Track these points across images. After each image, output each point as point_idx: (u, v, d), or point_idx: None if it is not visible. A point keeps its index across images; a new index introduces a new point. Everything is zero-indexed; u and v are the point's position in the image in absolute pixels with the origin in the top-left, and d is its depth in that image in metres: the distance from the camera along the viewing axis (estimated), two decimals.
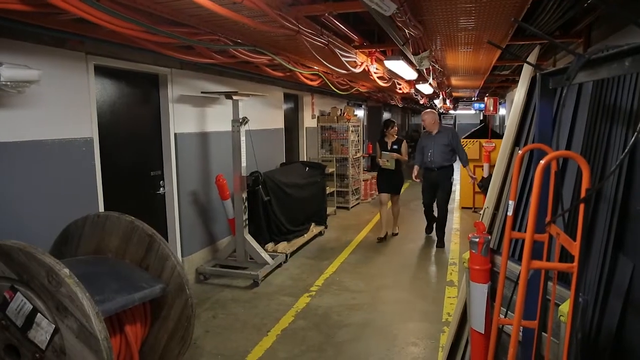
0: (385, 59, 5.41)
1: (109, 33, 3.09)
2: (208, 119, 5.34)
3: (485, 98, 9.89)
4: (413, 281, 5.09)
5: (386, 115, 16.73)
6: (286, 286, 4.93)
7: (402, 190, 7.08)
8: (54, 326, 2.30)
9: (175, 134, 4.77)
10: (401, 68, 5.70)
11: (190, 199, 5.07)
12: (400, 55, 5.16)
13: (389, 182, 6.71)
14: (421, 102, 13.51)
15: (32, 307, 2.32)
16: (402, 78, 7.17)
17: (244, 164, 5.06)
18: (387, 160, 6.44)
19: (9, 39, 2.99)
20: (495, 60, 6.55)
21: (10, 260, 2.34)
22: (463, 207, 8.97)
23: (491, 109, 9.18)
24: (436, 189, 6.34)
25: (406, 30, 3.47)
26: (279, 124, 7.46)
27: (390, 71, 6.16)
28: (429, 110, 6.56)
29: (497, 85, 12.68)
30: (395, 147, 6.61)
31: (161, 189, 4.74)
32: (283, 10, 3.00)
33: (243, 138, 5.01)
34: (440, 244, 6.39)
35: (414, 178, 6.49)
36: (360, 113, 12.94)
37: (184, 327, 2.97)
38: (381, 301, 4.50)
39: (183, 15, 3.02)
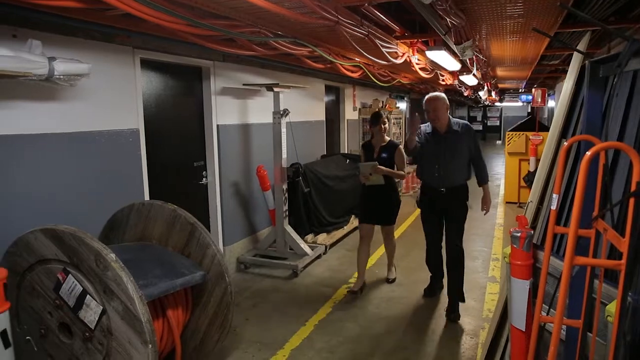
0: (427, 50, 5.30)
1: (154, 27, 3.17)
2: (249, 110, 5.41)
3: (533, 89, 9.53)
4: None
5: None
6: (325, 277, 4.95)
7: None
8: (101, 307, 2.41)
9: (217, 126, 4.87)
10: (444, 58, 5.57)
11: (232, 189, 5.17)
12: (443, 45, 5.04)
13: (377, 206, 4.46)
14: (465, 94, 13.17)
15: (82, 288, 2.45)
16: (444, 69, 7.01)
17: (284, 155, 5.10)
18: (371, 174, 4.24)
19: (62, 35, 3.13)
20: (543, 49, 6.28)
21: (62, 244, 2.47)
22: (507, 202, 8.71)
23: (539, 100, 8.83)
24: (443, 218, 4.06)
25: (448, 19, 3.38)
26: (320, 116, 7.47)
27: (432, 62, 6.03)
28: (436, 94, 3.96)
29: (545, 76, 12.18)
30: (384, 155, 4.38)
31: (204, 179, 4.86)
32: (322, 1, 2.99)
33: (284, 130, 5.06)
34: (453, 312, 3.94)
35: (416, 205, 4.25)
36: (402, 105, 12.77)
37: (223, 314, 3.05)
38: (420, 295, 4.45)
39: (224, 7, 3.07)
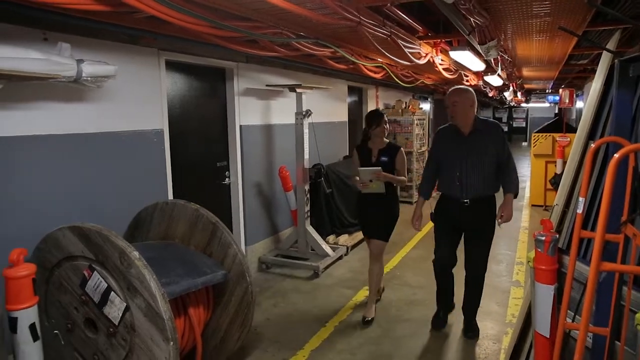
0: (451, 50, 5.24)
1: (179, 29, 3.22)
2: (272, 111, 5.45)
3: (560, 90, 9.31)
4: None
5: None
6: (346, 279, 4.94)
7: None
8: (125, 304, 2.46)
9: (240, 126, 4.91)
10: (468, 59, 5.50)
11: (254, 189, 5.21)
12: (467, 45, 4.97)
13: (372, 216, 3.93)
14: (490, 94, 12.97)
15: (107, 285, 2.50)
16: (469, 69, 6.92)
17: (306, 156, 5.12)
18: (371, 180, 3.74)
19: (90, 38, 3.20)
20: (571, 49, 6.14)
21: (89, 242, 2.53)
22: (533, 205, 8.54)
23: (566, 101, 8.63)
24: (464, 237, 3.51)
25: (471, 19, 3.34)
26: (343, 116, 7.46)
27: (456, 62, 5.96)
28: (459, 87, 3.50)
29: (573, 76, 11.89)
30: (384, 158, 3.86)
31: (226, 179, 4.91)
32: (343, 2, 2.98)
33: (306, 130, 5.07)
34: (471, 330, 3.64)
35: (414, 226, 3.67)
36: (426, 106, 12.66)
37: (244, 313, 3.07)
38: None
39: (246, 9, 3.09)
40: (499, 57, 5.58)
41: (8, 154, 2.81)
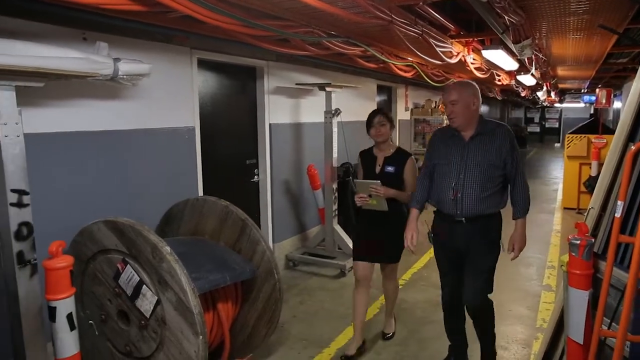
0: (483, 49, 5.16)
1: (212, 28, 3.26)
2: (301, 110, 5.47)
3: (597, 89, 9.02)
4: (506, 282, 4.83)
5: (484, 110, 15.88)
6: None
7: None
8: (156, 298, 2.51)
9: (270, 125, 4.96)
10: (500, 58, 5.40)
11: (283, 187, 5.25)
12: (500, 44, 4.89)
13: (377, 238, 3.33)
14: (522, 94, 12.70)
15: (139, 278, 2.56)
16: (501, 69, 6.79)
17: (335, 155, 5.12)
18: (370, 195, 3.17)
19: (125, 37, 3.28)
20: (610, 47, 5.95)
21: (122, 236, 2.60)
22: (566, 208, 8.32)
23: (603, 101, 8.36)
24: (465, 262, 2.85)
25: (506, 17, 3.27)
26: None
27: (488, 61, 5.86)
28: (460, 82, 2.92)
29: (612, 75, 11.52)
30: (390, 168, 3.28)
31: (255, 177, 4.96)
32: (376, 1, 2.97)
33: (335, 129, 5.07)
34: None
35: (407, 244, 2.99)
36: None
37: (272, 310, 3.10)
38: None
39: (279, 8, 3.12)
40: (533, 56, 5.46)
41: (48, 150, 2.91)
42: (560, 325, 2.68)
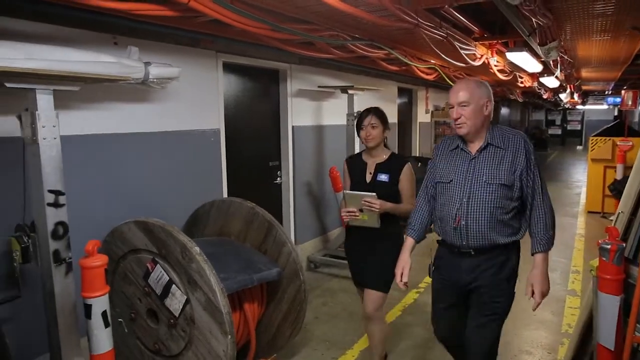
0: (507, 51, 5.12)
1: (238, 32, 3.32)
2: (323, 112, 5.50)
3: (623, 91, 8.86)
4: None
5: (504, 112, 15.74)
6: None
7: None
8: (185, 297, 2.56)
9: (292, 127, 5.00)
10: (524, 60, 5.35)
11: (305, 189, 5.28)
12: (524, 46, 4.85)
13: (367, 258, 2.85)
14: (544, 96, 12.53)
15: (168, 278, 2.62)
16: (524, 71, 6.72)
17: None
18: (361, 210, 2.66)
19: (154, 41, 3.36)
20: (638, 49, 5.85)
21: (152, 236, 2.66)
22: (589, 212, 8.18)
23: (629, 103, 8.20)
24: (471, 300, 2.34)
25: (533, 19, 3.25)
26: (393, 118, 7.43)
27: (511, 64, 5.81)
28: (469, 81, 2.30)
29: (638, 77, 11.30)
30: (383, 177, 2.81)
31: (278, 178, 5.01)
32: (403, 4, 2.99)
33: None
34: None
35: (397, 280, 2.50)
36: None
37: (296, 311, 3.13)
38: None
39: (305, 12, 3.15)
40: (558, 58, 5.40)
41: (82, 151, 2.99)
42: (588, 331, 2.66)
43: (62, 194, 2.41)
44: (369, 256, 2.83)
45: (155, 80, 2.97)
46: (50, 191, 2.36)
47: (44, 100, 2.33)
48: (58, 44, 2.55)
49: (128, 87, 3.02)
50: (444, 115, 8.99)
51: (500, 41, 5.13)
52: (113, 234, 2.84)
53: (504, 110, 15.49)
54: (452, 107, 2.22)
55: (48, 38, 2.67)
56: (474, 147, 2.25)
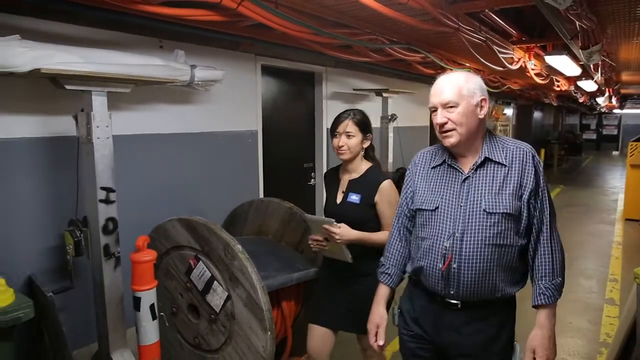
0: (546, 55, 5.05)
1: (278, 36, 3.40)
2: None
3: None
4: (565, 293, 4.71)
5: (537, 116, 15.44)
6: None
7: None
8: (227, 294, 2.64)
9: (327, 129, 5.05)
10: (564, 64, 5.27)
11: None
12: (564, 49, 4.78)
13: (339, 296, 2.36)
14: (580, 100, 12.25)
15: (210, 275, 2.69)
16: (562, 74, 6.61)
17: (390, 159, 5.16)
18: (327, 239, 2.22)
19: (199, 45, 3.46)
20: None
21: (195, 234, 2.75)
22: (627, 219, 7.95)
23: None
24: None
25: (577, 23, 3.22)
26: (425, 121, 7.41)
27: (549, 67, 5.73)
28: (458, 74, 1.70)
29: None
30: (353, 198, 2.28)
31: (312, 180, 5.07)
32: (444, 8, 3.00)
33: (391, 134, 5.12)
34: None
35: (371, 340, 1.90)
36: (508, 112, 12.20)
37: None
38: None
39: (346, 16, 3.20)
40: (599, 62, 5.29)
41: (129, 150, 3.11)
42: (630, 341, 2.61)
43: (112, 191, 2.52)
44: (343, 296, 2.31)
45: (200, 82, 3.07)
46: (103, 188, 2.48)
47: (99, 101, 2.44)
48: (111, 48, 2.67)
49: (173, 89, 3.13)
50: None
51: (538, 44, 5.07)
52: (157, 230, 2.94)
53: (537, 114, 15.19)
54: (435, 110, 1.66)
55: (102, 42, 2.79)
56: (467, 163, 1.71)
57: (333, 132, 2.34)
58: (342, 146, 2.26)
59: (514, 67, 4.85)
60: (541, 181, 1.69)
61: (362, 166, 2.33)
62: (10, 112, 2.52)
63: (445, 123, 1.64)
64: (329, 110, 5.06)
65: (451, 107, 1.63)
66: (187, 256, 2.81)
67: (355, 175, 2.32)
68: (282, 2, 2.77)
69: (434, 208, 1.72)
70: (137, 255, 2.25)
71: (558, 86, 7.99)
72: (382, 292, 1.93)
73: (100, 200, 2.48)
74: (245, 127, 4.00)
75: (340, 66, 5.07)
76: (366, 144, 2.34)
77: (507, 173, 1.66)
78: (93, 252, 2.53)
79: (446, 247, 1.67)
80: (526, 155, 1.68)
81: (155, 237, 2.94)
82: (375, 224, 2.24)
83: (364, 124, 2.34)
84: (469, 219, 1.65)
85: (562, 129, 22.16)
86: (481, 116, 1.67)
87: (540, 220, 1.69)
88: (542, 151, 11.26)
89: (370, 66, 5.24)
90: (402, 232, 1.91)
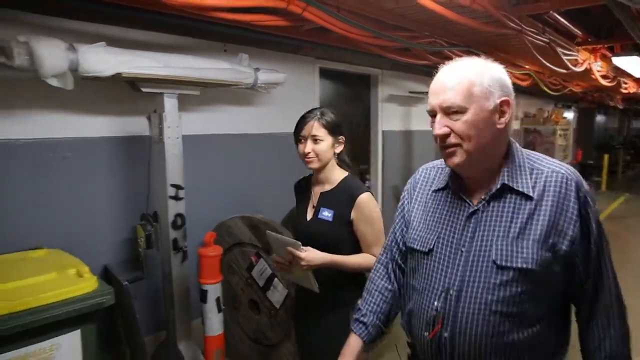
0: (613, 56, 4.84)
1: (338, 39, 3.45)
2: (412, 117, 5.52)
3: None
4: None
5: (600, 119, 14.69)
6: None
7: None
8: (287, 291, 2.71)
9: (382, 131, 5.07)
10: (634, 65, 5.02)
11: (392, 193, 5.33)
12: (634, 50, 4.56)
13: (305, 334, 1.97)
14: None
15: (271, 272, 2.78)
16: (630, 76, 6.30)
17: None
18: (291, 264, 1.74)
19: (262, 49, 3.58)
20: None
21: (257, 232, 2.84)
22: None
23: None
24: None
25: None
26: None
27: (616, 69, 5.48)
28: (465, 62, 1.17)
29: None
30: (324, 214, 1.86)
31: (367, 182, 5.10)
32: (507, 10, 2.96)
33: None
34: None
35: None
36: (569, 115, 11.71)
37: None
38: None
39: (405, 19, 3.22)
40: None
41: (197, 150, 3.25)
42: None
43: (181, 188, 2.66)
44: (308, 335, 1.94)
45: (262, 85, 3.17)
46: (172, 185, 2.62)
47: (170, 103, 2.59)
48: (182, 52, 2.81)
49: (236, 91, 3.25)
50: (535, 122, 8.61)
51: (605, 45, 4.87)
52: (220, 227, 3.07)
53: (600, 118, 14.47)
54: (434, 115, 1.17)
55: (173, 47, 2.95)
56: (477, 191, 1.22)
57: (297, 136, 1.95)
58: (309, 153, 1.87)
59: (579, 69, 4.67)
60: (592, 226, 1.13)
61: (336, 175, 1.93)
62: (91, 113, 2.71)
63: (447, 135, 1.14)
64: (384, 113, 5.08)
65: (455, 112, 1.12)
66: (249, 253, 2.92)
67: (327, 187, 1.92)
68: (343, 6, 2.82)
69: (427, 250, 1.25)
70: (205, 250, 2.37)
71: (626, 88, 7.60)
72: (353, 345, 1.37)
73: (170, 197, 2.62)
74: None
75: (396, 69, 5.07)
76: (338, 149, 1.93)
77: (535, 209, 1.13)
78: (162, 246, 2.67)
79: (436, 307, 1.18)
80: (566, 183, 1.14)
81: (218, 233, 3.07)
82: (352, 245, 1.83)
83: (334, 125, 1.93)
84: (470, 271, 1.16)
85: (628, 133, 20.94)
86: (501, 125, 1.14)
87: (596, 284, 1.15)
88: (606, 157, 10.72)
89: (427, 69, 5.19)
90: (390, 267, 1.42)
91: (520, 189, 1.15)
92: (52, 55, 2.11)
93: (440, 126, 1.14)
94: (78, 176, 2.65)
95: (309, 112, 1.97)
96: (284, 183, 3.92)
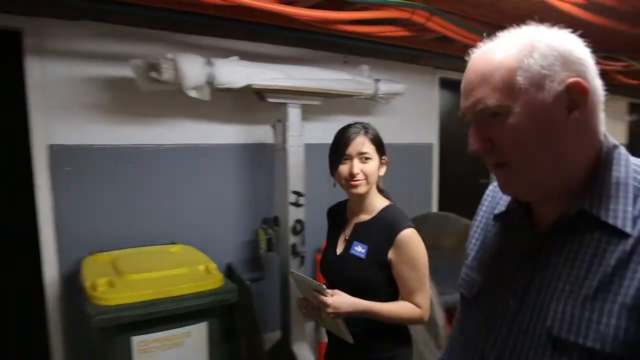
0: None
1: (459, 48, 3.32)
2: None
3: None
4: None
5: None
6: None
7: None
8: None
9: None
10: None
11: None
12: None
13: None
14: None
15: None
16: None
17: None
18: (320, 309, 1.43)
19: (379, 59, 3.59)
20: None
21: None
22: None
23: None
24: None
25: None
26: (621, 139, 6.52)
27: None
28: (506, 39, 0.77)
29: None
30: (357, 249, 1.56)
31: None
32: None
33: None
34: None
35: None
36: None
37: None
38: None
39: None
40: None
41: (316, 158, 3.33)
42: None
43: (302, 195, 2.74)
44: None
45: (382, 95, 3.17)
46: (294, 192, 2.72)
47: (294, 113, 2.70)
48: (304, 64, 2.92)
49: (357, 102, 3.29)
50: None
51: None
52: None
53: None
54: (464, 117, 0.85)
55: (296, 60, 3.08)
56: (545, 215, 0.82)
57: (339, 154, 1.61)
58: (357, 174, 1.56)
59: None
60: None
61: (377, 203, 1.63)
62: (222, 122, 2.93)
63: (485, 150, 0.79)
64: None
65: (494, 115, 0.77)
66: None
67: (364, 217, 1.63)
68: (467, 14, 2.72)
69: (471, 295, 0.92)
70: None
71: None
72: None
73: (291, 203, 2.72)
74: (422, 139, 4.01)
75: None
76: (382, 171, 1.66)
77: (631, 256, 0.69)
78: (281, 250, 2.78)
79: None
80: None
81: None
82: (390, 288, 1.54)
83: (380, 141, 1.67)
84: (517, 338, 0.78)
85: None
86: (573, 122, 0.74)
87: None
88: None
89: None
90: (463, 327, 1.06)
91: (611, 222, 0.72)
92: (193, 70, 2.33)
93: (475, 139, 0.80)
94: (211, 179, 2.88)
95: (349, 126, 1.67)
96: (401, 193, 3.85)
